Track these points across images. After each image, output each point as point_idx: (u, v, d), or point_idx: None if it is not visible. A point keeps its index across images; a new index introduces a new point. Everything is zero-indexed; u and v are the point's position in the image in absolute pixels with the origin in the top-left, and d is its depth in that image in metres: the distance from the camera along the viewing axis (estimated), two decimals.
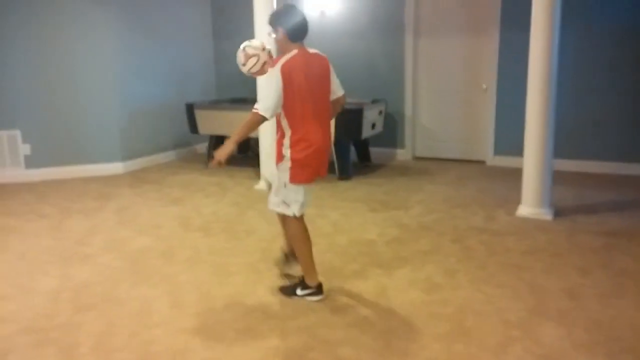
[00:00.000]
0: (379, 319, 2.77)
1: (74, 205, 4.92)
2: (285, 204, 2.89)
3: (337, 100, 3.05)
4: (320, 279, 3.02)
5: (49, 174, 5.93)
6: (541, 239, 3.86)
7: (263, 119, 2.70)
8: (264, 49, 2.93)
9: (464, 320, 2.73)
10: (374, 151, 6.65)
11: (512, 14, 5.88)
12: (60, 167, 5.98)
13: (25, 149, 5.83)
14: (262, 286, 3.17)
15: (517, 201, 4.54)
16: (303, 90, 2.75)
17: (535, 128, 4.19)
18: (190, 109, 6.39)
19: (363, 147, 6.44)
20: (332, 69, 2.98)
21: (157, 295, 3.07)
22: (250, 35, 5.10)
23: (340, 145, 5.68)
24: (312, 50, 2.91)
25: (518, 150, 5.65)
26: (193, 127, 6.42)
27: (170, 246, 3.86)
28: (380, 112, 6.22)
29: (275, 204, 2.96)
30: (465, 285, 3.14)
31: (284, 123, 2.83)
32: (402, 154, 6.79)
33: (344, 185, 5.54)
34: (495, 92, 6.17)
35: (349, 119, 5.55)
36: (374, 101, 6.23)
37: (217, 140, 6.42)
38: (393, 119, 6.70)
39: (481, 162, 6.44)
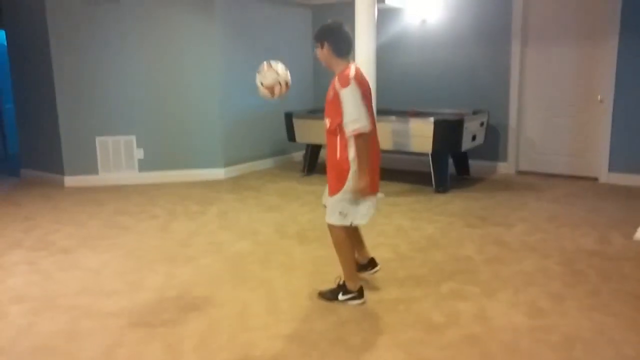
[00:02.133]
0: (477, 341, 2.63)
1: (179, 208, 5.21)
2: (343, 214, 2.91)
3: None
4: (416, 293, 2.94)
5: (158, 177, 6.35)
6: None
7: (367, 135, 2.77)
8: (270, 71, 3.11)
9: (572, 350, 2.52)
10: (474, 164, 6.42)
11: (634, 17, 5.41)
12: (168, 171, 6.39)
13: (139, 154, 6.29)
14: None
15: (635, 224, 4.15)
16: (366, 102, 2.81)
17: None
18: (289, 118, 6.56)
19: (462, 160, 6.23)
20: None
21: (254, 300, 3.16)
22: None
23: (437, 157, 5.54)
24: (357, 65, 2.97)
25: (637, 167, 5.20)
26: (291, 135, 6.58)
27: (267, 252, 3.96)
28: (482, 124, 5.98)
29: (331, 217, 2.97)
30: (574, 312, 2.91)
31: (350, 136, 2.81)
32: (504, 168, 6.48)
33: (440, 198, 5.38)
34: (611, 104, 5.71)
35: (448, 130, 5.40)
36: (475, 112, 6.02)
37: (314, 149, 6.53)
38: (495, 130, 6.43)
39: (593, 179, 5.97)
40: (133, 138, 6.25)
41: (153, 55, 6.14)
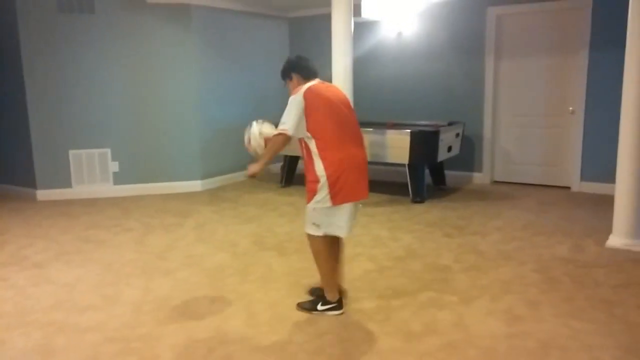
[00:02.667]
0: (455, 349, 2.65)
1: (155, 221, 5.15)
2: (315, 224, 2.97)
3: None
4: (394, 303, 2.95)
5: (134, 190, 6.27)
6: (635, 273, 3.58)
7: (287, 138, 2.89)
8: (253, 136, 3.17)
9: (548, 357, 2.56)
10: (450, 174, 6.50)
11: (603, 32, 5.58)
12: (144, 184, 6.31)
13: (114, 166, 6.21)
14: None
15: (607, 231, 4.25)
16: (329, 113, 2.90)
17: (629, 153, 3.92)
18: None
19: (438, 170, 6.31)
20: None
21: (233, 312, 3.13)
22: (328, 57, 5.19)
23: (414, 168, 5.60)
24: (328, 83, 3.13)
25: (608, 176, 5.34)
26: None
27: (246, 264, 3.94)
28: (457, 135, 6.07)
29: (307, 227, 3.03)
30: (550, 318, 2.95)
31: (313, 147, 2.92)
32: (480, 178, 6.58)
33: (417, 208, 5.43)
34: (582, 115, 5.85)
35: (425, 141, 5.47)
36: (451, 123, 6.11)
37: (291, 160, 6.54)
38: (471, 141, 6.53)
39: (566, 188, 6.10)
40: (108, 151, 6.17)
41: (128, 66, 6.10)
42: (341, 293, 3.16)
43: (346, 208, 2.94)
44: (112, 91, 6.09)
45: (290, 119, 2.88)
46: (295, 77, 3.09)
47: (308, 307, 3.11)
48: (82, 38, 5.92)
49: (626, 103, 3.92)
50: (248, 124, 3.21)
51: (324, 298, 3.08)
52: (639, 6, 3.76)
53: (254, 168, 2.98)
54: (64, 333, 2.90)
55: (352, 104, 3.27)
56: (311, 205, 2.95)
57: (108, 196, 6.19)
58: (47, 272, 3.84)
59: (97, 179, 6.20)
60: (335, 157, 2.88)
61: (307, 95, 2.89)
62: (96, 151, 6.14)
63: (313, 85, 2.97)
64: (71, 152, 6.07)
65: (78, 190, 6.15)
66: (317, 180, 2.90)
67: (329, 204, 2.90)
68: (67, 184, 6.13)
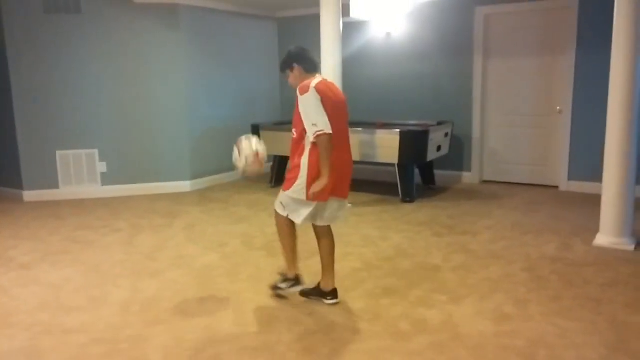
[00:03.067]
0: (444, 348, 2.66)
1: (144, 222, 5.11)
2: (282, 205, 3.08)
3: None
4: (383, 302, 2.95)
5: (122, 191, 6.23)
6: (622, 271, 3.61)
7: (330, 136, 2.80)
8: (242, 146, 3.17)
9: (536, 355, 2.57)
10: (439, 174, 6.52)
11: (590, 32, 5.64)
12: (133, 185, 6.27)
13: (101, 167, 6.16)
14: (323, 308, 3.14)
15: (595, 230, 4.28)
16: (330, 115, 2.85)
17: (616, 152, 3.95)
18: (255, 130, 6.54)
19: (427, 170, 6.32)
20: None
21: (222, 312, 3.11)
22: (317, 57, 5.17)
23: (403, 167, 5.61)
24: (331, 81, 3.13)
25: (595, 176, 5.39)
26: None
27: (235, 264, 3.92)
28: (447, 135, 6.09)
29: (276, 205, 3.15)
30: (538, 317, 2.97)
31: (308, 142, 2.91)
32: (469, 177, 6.60)
33: (407, 207, 5.44)
34: (570, 115, 5.90)
35: (414, 141, 5.48)
36: (440, 123, 6.13)
37: (281, 161, 6.53)
38: (460, 141, 6.55)
39: (554, 187, 6.15)
40: (95, 151, 6.11)
41: (116, 66, 6.05)
42: (333, 297, 3.19)
43: (313, 204, 2.99)
44: (99, 91, 6.04)
45: (320, 117, 2.81)
46: (297, 68, 3.03)
47: (311, 294, 3.26)
48: (69, 38, 5.86)
49: (613, 102, 3.95)
50: (233, 146, 3.19)
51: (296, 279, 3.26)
52: (624, 6, 3.79)
53: (319, 186, 2.84)
54: (50, 334, 2.87)
55: None
56: (289, 192, 3.00)
57: (96, 197, 6.14)
58: (33, 274, 3.79)
59: (85, 179, 6.14)
60: (336, 156, 2.91)
61: (319, 89, 2.84)
62: (84, 152, 6.09)
63: (320, 82, 2.91)
64: (58, 153, 6.02)
65: (65, 191, 6.10)
66: (298, 174, 2.95)
67: (302, 197, 2.96)
68: (54, 184, 6.07)
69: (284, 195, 3.06)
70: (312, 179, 2.90)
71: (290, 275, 3.24)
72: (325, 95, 2.86)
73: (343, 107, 3.05)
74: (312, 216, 3.05)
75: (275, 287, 3.29)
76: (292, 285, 3.25)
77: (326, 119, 2.81)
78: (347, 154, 3.07)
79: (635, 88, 3.85)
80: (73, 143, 6.04)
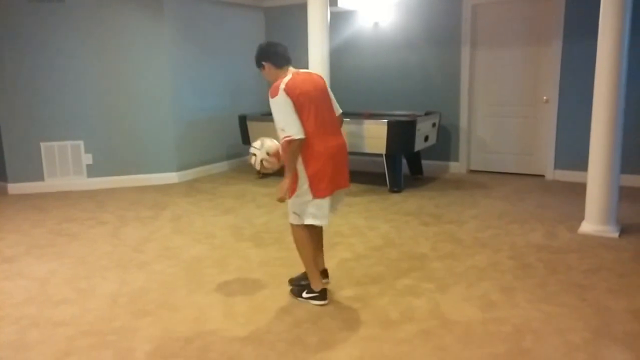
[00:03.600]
0: (432, 336, 2.68)
1: (130, 213, 5.08)
2: (296, 214, 3.00)
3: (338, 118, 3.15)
4: (372, 290, 2.97)
5: (108, 183, 6.17)
6: (606, 258, 3.66)
7: (300, 141, 2.83)
8: (261, 147, 3.08)
9: (522, 341, 2.61)
10: (426, 164, 6.55)
11: (576, 23, 5.67)
12: (119, 176, 6.21)
13: (87, 159, 6.09)
14: None
15: (580, 217, 4.34)
16: (307, 109, 2.86)
17: (601, 141, 4.00)
18: (243, 121, 6.51)
19: (415, 160, 6.35)
20: (328, 88, 3.11)
21: (210, 303, 3.11)
22: (305, 47, 5.17)
23: (391, 157, 5.62)
24: (303, 70, 3.06)
25: (580, 164, 5.44)
26: (245, 138, 6.54)
27: (223, 255, 3.91)
28: (434, 125, 6.11)
29: (290, 217, 3.07)
30: (524, 304, 3.01)
31: None
32: (456, 167, 6.64)
33: (394, 197, 5.46)
34: (556, 104, 5.95)
35: (402, 131, 5.49)
36: (428, 113, 6.14)
37: None
38: (447, 131, 6.58)
39: (540, 176, 6.21)
40: (81, 143, 6.05)
41: (101, 56, 5.97)
42: (324, 277, 3.21)
43: (326, 199, 2.96)
44: (84, 82, 5.96)
45: (290, 122, 2.82)
46: (267, 65, 3.00)
47: (295, 292, 3.16)
48: (52, 27, 5.77)
49: (598, 92, 3.98)
50: (250, 150, 3.18)
51: (309, 287, 3.09)
52: None
53: (282, 190, 2.88)
54: (37, 327, 2.85)
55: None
56: (293, 197, 2.95)
57: (81, 189, 6.08)
58: (18, 267, 3.75)
59: (70, 171, 6.08)
60: (314, 151, 2.89)
61: (289, 93, 2.83)
62: (69, 143, 6.02)
63: (290, 80, 2.88)
64: (43, 145, 5.94)
65: (50, 183, 6.03)
66: (296, 174, 2.91)
67: (309, 197, 2.93)
68: (39, 177, 6.00)
69: (292, 203, 2.99)
70: (312, 172, 2.90)
71: (316, 287, 3.07)
72: (299, 92, 2.85)
73: (321, 94, 2.99)
74: (314, 215, 2.97)
75: (296, 294, 3.15)
76: (315, 298, 3.06)
77: (296, 122, 2.82)
78: (334, 139, 3.00)
79: (621, 78, 3.89)
80: (58, 134, 5.97)
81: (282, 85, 2.84)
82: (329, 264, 3.57)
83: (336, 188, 3.02)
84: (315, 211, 2.96)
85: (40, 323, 2.90)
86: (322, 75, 3.20)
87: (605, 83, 3.92)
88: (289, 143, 2.81)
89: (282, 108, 2.83)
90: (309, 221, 2.98)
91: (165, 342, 2.68)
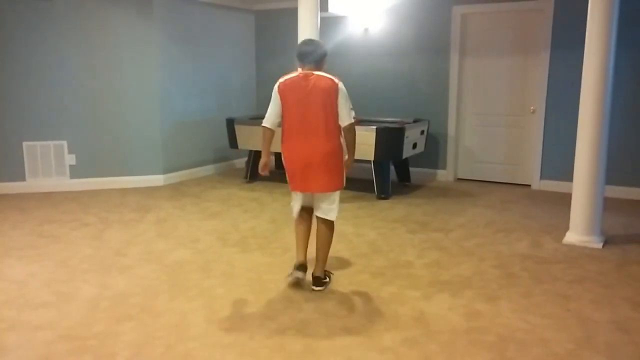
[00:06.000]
0: (416, 344, 2.67)
1: (114, 216, 5.01)
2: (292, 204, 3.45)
3: (343, 130, 3.24)
4: (357, 299, 2.95)
5: (92, 184, 6.09)
6: (590, 269, 3.68)
7: (266, 130, 3.24)
8: None
9: (505, 350, 2.60)
10: (414, 171, 6.55)
11: (564, 34, 5.73)
12: (103, 178, 6.13)
13: (70, 159, 6.01)
14: (296, 304, 3.12)
15: (565, 228, 4.36)
16: (291, 106, 3.14)
17: (587, 152, 4.03)
18: (230, 124, 6.47)
19: (403, 167, 6.35)
20: (340, 94, 3.15)
21: (193, 309, 3.06)
22: (292, 55, 5.14)
23: (379, 164, 5.62)
24: (318, 73, 3.17)
25: (566, 175, 5.48)
26: (233, 142, 6.49)
27: (208, 260, 3.87)
28: (422, 132, 6.13)
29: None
30: (508, 313, 3.01)
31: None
32: (443, 175, 6.66)
33: (382, 204, 5.45)
34: (543, 115, 5.99)
35: (390, 138, 5.49)
36: (416, 121, 6.16)
37: (256, 155, 6.47)
38: (435, 139, 6.60)
39: (526, 186, 6.24)
40: (64, 143, 5.96)
41: (86, 55, 5.90)
42: (302, 265, 3.37)
43: (298, 193, 3.30)
44: (69, 81, 5.88)
45: (268, 111, 3.24)
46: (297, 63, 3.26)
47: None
48: (37, 26, 5.69)
49: (584, 104, 4.02)
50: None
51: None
52: (597, 8, 3.86)
53: (260, 167, 3.32)
54: (15, 331, 2.79)
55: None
56: None
57: (64, 190, 5.99)
58: None
59: (53, 172, 5.98)
60: (285, 149, 3.23)
61: (280, 88, 3.16)
62: (52, 143, 5.93)
63: (289, 78, 3.17)
64: (25, 144, 5.84)
65: (32, 184, 5.93)
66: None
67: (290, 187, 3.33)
68: (20, 177, 5.89)
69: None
70: (285, 166, 3.29)
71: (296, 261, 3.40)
72: (288, 91, 3.14)
73: (314, 99, 3.11)
74: (296, 200, 3.34)
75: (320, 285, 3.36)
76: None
77: (271, 113, 3.21)
78: (307, 144, 3.15)
79: (607, 90, 3.93)
80: (40, 134, 5.88)
81: (280, 80, 3.19)
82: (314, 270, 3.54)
83: (304, 190, 3.25)
84: (295, 197, 3.35)
85: (19, 327, 2.84)
86: (337, 80, 3.17)
87: (591, 94, 3.96)
88: (262, 128, 3.25)
89: (272, 98, 3.22)
90: (293, 206, 3.38)
91: (146, 348, 2.63)
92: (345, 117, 3.17)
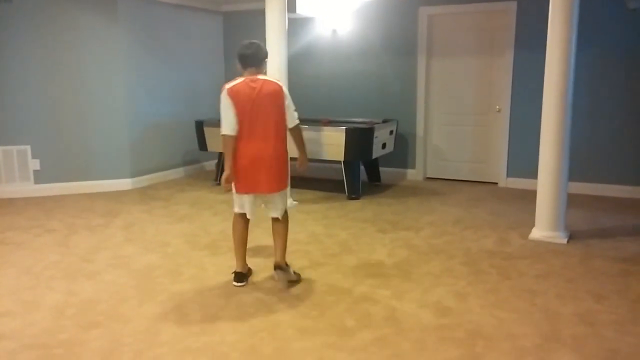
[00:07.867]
0: (388, 343, 2.69)
1: (80, 221, 4.90)
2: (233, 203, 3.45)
3: (291, 131, 3.36)
4: (329, 299, 2.95)
5: (57, 189, 5.94)
6: (555, 263, 3.77)
7: (229, 137, 3.19)
8: None
9: (475, 346, 2.64)
10: (384, 171, 6.61)
11: (527, 35, 5.86)
12: (69, 183, 5.99)
13: (34, 164, 5.84)
14: (267, 307, 3.11)
15: (531, 224, 4.46)
16: (240, 111, 3.16)
17: (550, 150, 4.13)
18: (199, 127, 6.41)
19: (373, 167, 6.40)
20: (285, 98, 3.28)
21: (163, 314, 3.02)
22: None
23: (349, 164, 5.65)
24: (262, 77, 3.26)
25: (531, 173, 5.60)
26: (202, 144, 6.43)
27: (177, 264, 3.82)
28: (391, 132, 6.18)
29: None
30: (477, 309, 3.06)
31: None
32: (413, 174, 6.73)
33: (352, 205, 5.48)
34: (508, 114, 6.12)
35: (360, 139, 5.52)
36: (385, 121, 6.21)
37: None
38: (404, 139, 6.67)
39: (493, 184, 6.36)
40: (28, 148, 5.79)
41: (50, 58, 5.75)
42: (248, 271, 3.50)
43: (245, 196, 3.31)
44: (32, 84, 5.72)
45: (224, 119, 3.19)
46: (238, 65, 3.28)
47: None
48: None
49: (547, 102, 4.12)
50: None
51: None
52: (559, 9, 3.96)
53: (223, 180, 3.25)
54: None
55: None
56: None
57: (28, 196, 5.83)
58: None
59: (16, 177, 5.81)
60: (239, 151, 3.20)
61: (230, 94, 3.16)
62: (14, 148, 5.76)
63: (236, 83, 3.19)
64: None
65: None
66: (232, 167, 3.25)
67: (235, 189, 3.32)
68: None
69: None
70: (235, 169, 3.24)
71: (237, 268, 3.48)
72: (240, 96, 3.15)
73: (265, 102, 3.18)
74: (240, 206, 3.36)
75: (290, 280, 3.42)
76: (234, 278, 3.46)
77: (229, 120, 3.16)
78: (260, 146, 3.20)
79: (568, 88, 4.04)
80: (2, 139, 5.70)
81: (228, 86, 3.18)
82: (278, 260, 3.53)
83: (253, 191, 3.28)
84: (239, 202, 3.36)
85: None
86: (281, 83, 3.32)
87: (553, 93, 4.06)
88: (223, 138, 3.20)
89: (222, 106, 3.19)
90: (235, 209, 3.39)
91: (114, 354, 2.58)
92: (292, 118, 3.32)
